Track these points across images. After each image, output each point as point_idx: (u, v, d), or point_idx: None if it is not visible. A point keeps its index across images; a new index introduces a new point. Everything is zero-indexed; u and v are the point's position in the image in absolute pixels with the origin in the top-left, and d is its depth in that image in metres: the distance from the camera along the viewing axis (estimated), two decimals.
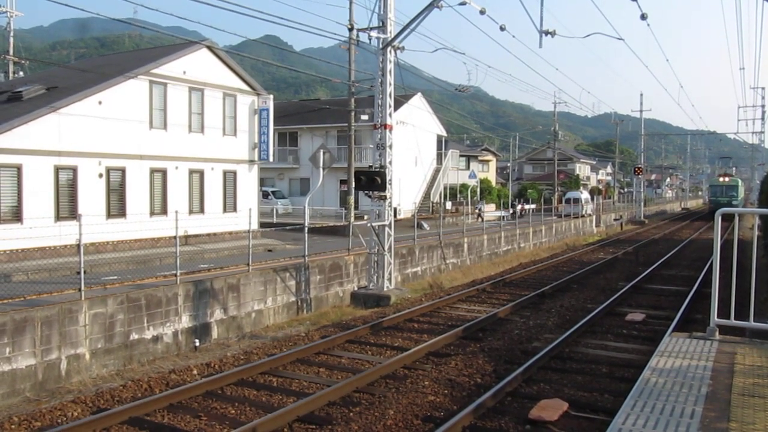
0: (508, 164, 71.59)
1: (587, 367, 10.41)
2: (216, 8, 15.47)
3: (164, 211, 21.32)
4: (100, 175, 19.61)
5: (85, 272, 12.55)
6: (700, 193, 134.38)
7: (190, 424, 8.20)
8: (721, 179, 63.99)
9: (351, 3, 26.14)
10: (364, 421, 7.98)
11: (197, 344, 14.25)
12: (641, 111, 58.86)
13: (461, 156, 53.01)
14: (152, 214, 21.05)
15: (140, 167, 20.82)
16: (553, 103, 57.11)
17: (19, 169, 17.48)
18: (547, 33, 17.44)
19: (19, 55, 35.54)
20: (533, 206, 45.80)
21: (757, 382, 5.56)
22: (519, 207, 39.95)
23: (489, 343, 12.01)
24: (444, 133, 46.06)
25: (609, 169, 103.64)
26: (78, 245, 12.67)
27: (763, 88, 51.19)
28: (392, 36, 17.22)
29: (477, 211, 40.73)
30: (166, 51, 23.48)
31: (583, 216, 47.90)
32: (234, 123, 24.70)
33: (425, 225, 31.46)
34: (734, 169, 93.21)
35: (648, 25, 16.91)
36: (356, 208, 28.99)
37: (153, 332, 13.64)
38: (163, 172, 21.73)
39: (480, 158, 61.49)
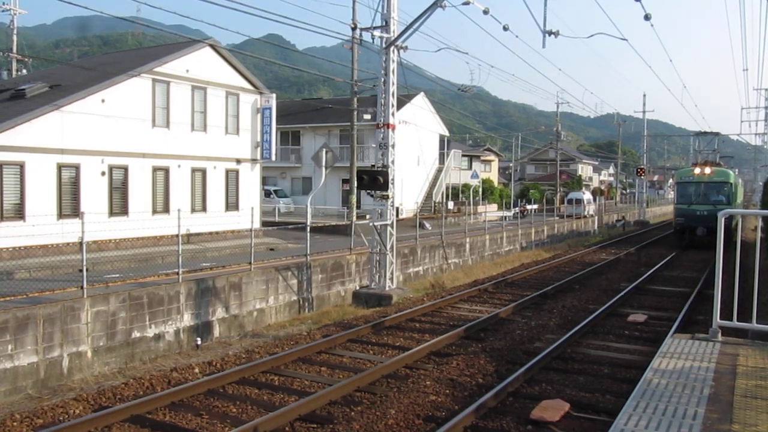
0: (511, 164, 71.52)
1: (589, 367, 10.40)
2: (219, 7, 15.48)
3: (166, 209, 21.34)
4: (103, 173, 19.62)
5: (87, 270, 12.56)
6: None
7: (191, 422, 8.21)
8: (697, 171, 31.64)
9: (354, 2, 26.12)
10: (365, 420, 7.99)
11: (199, 343, 14.26)
12: (644, 112, 58.77)
13: (463, 156, 52.97)
14: (154, 212, 21.06)
15: (143, 165, 20.84)
16: (556, 104, 57.08)
17: (21, 166, 17.50)
18: (550, 33, 17.42)
19: (23, 53, 35.60)
20: (535, 207, 45.76)
21: (759, 383, 5.55)
22: (520, 207, 40.01)
23: (491, 343, 12.00)
24: (446, 133, 46.03)
25: (611, 170, 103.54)
26: (80, 243, 12.69)
27: (766, 89, 50.81)
28: (395, 35, 17.21)
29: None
30: (169, 49, 23.49)
31: (585, 217, 47.86)
32: (237, 122, 24.70)
33: (427, 225, 31.44)
34: (735, 169, 53.62)
35: (652, 25, 16.86)
36: (358, 207, 28.98)
37: (155, 330, 13.65)
38: (166, 171, 21.74)
39: (482, 158, 61.44)
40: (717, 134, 41.21)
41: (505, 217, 37.08)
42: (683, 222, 31.09)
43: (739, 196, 37.56)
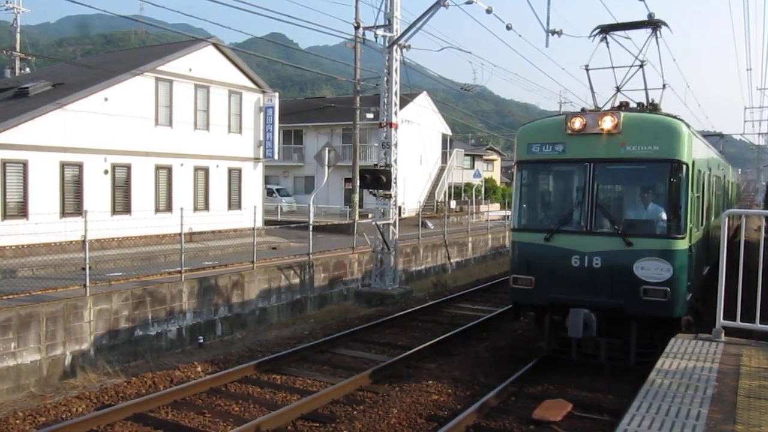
0: (513, 164, 71.35)
1: (592, 367, 10.37)
2: (222, 6, 15.49)
3: (169, 208, 21.35)
4: (106, 172, 19.65)
5: (90, 268, 12.58)
6: None
7: (194, 421, 8.21)
8: (577, 125, 9.21)
9: (357, 1, 26.12)
10: (367, 419, 7.98)
11: (201, 341, 14.27)
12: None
13: (466, 155, 52.91)
14: (157, 210, 21.08)
15: (145, 164, 20.85)
16: (559, 103, 56.93)
17: (25, 165, 17.53)
18: (553, 32, 17.39)
19: (26, 52, 35.65)
20: None
21: (763, 384, 5.53)
22: None
23: (493, 342, 11.99)
24: (449, 132, 46.01)
25: None
26: (83, 241, 12.71)
27: None
28: (398, 34, 17.20)
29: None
30: (172, 48, 23.51)
31: None
32: (239, 120, 24.71)
33: (429, 224, 31.43)
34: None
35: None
36: (361, 206, 28.98)
37: (157, 329, 13.66)
38: (169, 169, 21.75)
39: (485, 157, 61.36)
40: (657, 24, 12.02)
41: (508, 217, 37.08)
42: (533, 291, 9.63)
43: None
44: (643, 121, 9.17)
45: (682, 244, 8.77)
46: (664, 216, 9.06)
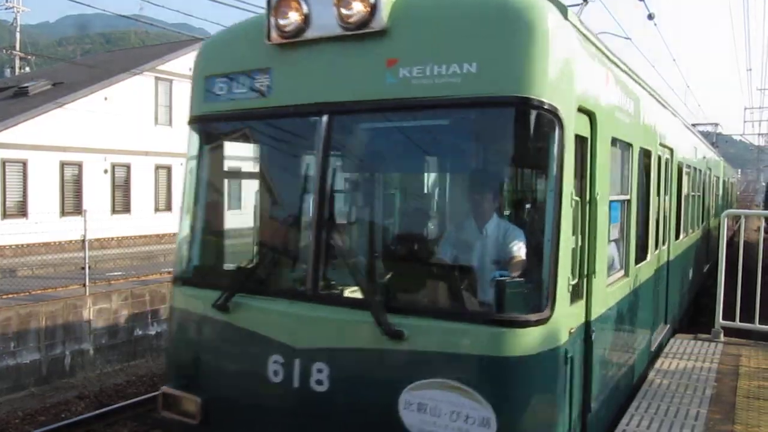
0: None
1: None
2: (222, 5, 15.49)
3: (169, 207, 21.35)
4: (105, 171, 19.65)
5: (89, 268, 12.57)
6: None
7: None
8: (294, 14, 3.92)
9: None
10: None
11: None
12: None
13: None
14: (157, 210, 21.08)
15: (145, 163, 20.85)
16: None
17: (24, 164, 17.53)
18: None
19: (26, 51, 35.64)
20: None
21: (762, 384, 5.54)
22: None
23: None
24: None
25: None
26: (83, 241, 12.71)
27: None
28: None
29: None
30: (172, 48, 23.51)
31: None
32: None
33: None
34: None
35: (655, 24, 16.83)
36: None
37: (157, 328, 13.64)
38: (168, 169, 21.74)
39: None
40: None
41: None
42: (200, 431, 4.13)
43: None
44: (437, 3, 3.84)
45: (548, 339, 3.45)
46: (492, 257, 3.96)
